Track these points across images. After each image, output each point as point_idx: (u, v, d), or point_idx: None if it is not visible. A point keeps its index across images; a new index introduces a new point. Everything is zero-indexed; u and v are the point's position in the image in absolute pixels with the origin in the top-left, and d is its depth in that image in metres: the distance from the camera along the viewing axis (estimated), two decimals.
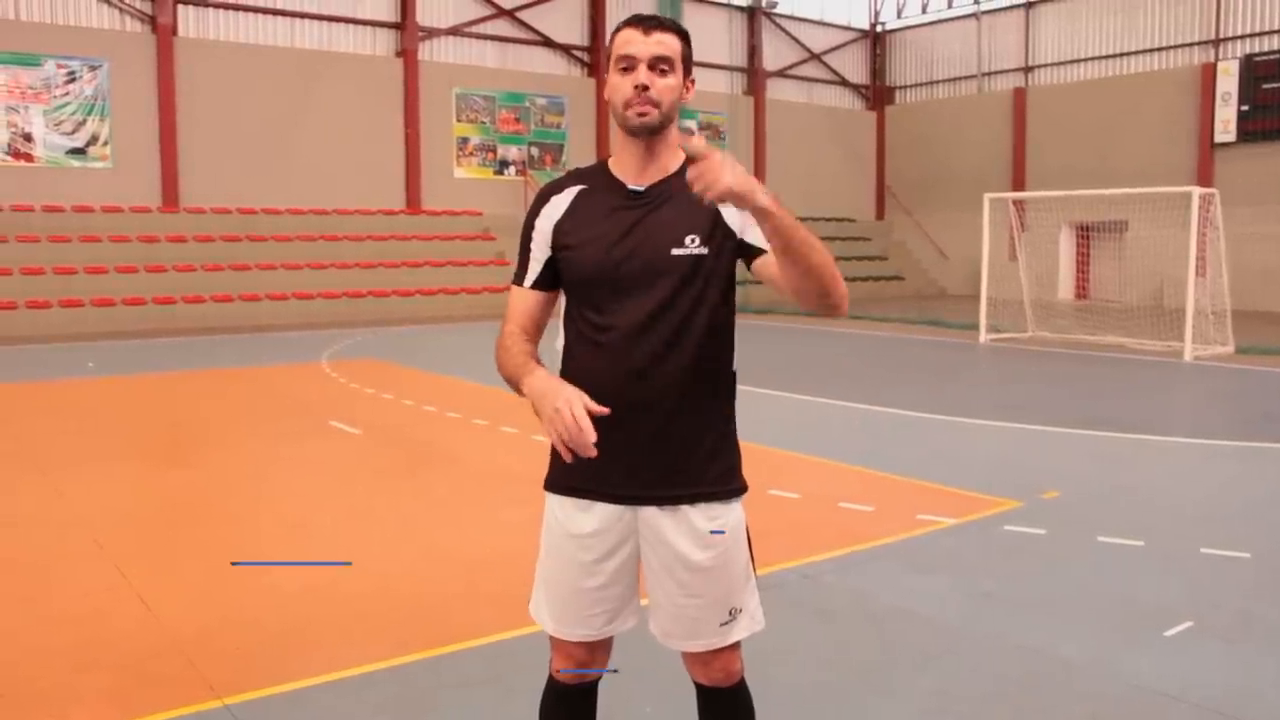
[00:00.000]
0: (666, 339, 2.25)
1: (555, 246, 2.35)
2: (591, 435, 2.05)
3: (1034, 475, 7.08)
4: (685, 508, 2.32)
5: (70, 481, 6.95)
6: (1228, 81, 25.11)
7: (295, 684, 3.72)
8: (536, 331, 2.42)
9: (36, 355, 14.93)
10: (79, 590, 4.75)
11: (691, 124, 29.00)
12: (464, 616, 4.42)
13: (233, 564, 5.11)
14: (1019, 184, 28.56)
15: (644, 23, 2.25)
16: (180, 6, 21.68)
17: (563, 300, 2.42)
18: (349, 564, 5.09)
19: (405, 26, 24.18)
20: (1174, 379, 12.83)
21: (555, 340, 2.40)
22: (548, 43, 26.62)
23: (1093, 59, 28.56)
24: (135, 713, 3.48)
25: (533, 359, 2.29)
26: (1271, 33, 24.96)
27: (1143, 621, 4.35)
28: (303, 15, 23.17)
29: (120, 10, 21.18)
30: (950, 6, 32.01)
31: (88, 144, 20.66)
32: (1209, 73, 25.50)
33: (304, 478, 7.21)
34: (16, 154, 20.01)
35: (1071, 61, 29.06)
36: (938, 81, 32.56)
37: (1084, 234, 26.60)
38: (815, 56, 32.29)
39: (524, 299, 2.40)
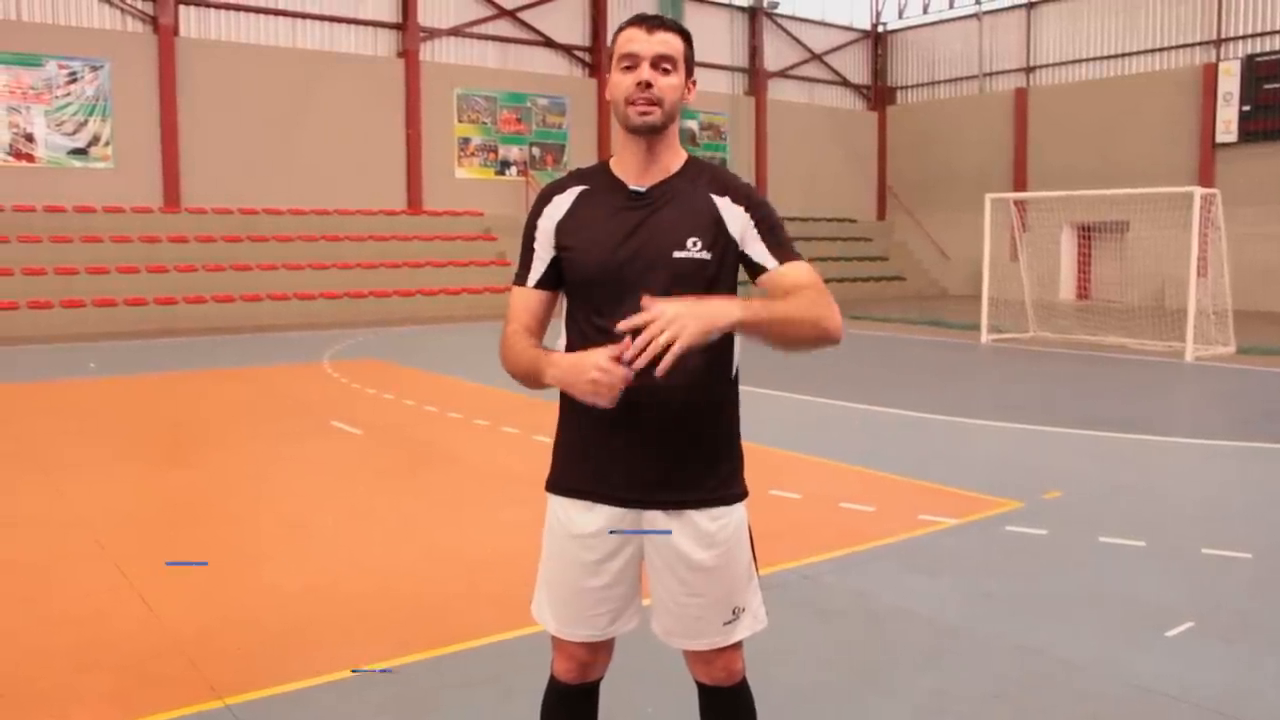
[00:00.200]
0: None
1: (558, 247, 2.34)
2: (625, 374, 2.06)
3: (1035, 475, 7.08)
4: (690, 512, 2.32)
5: (71, 482, 6.95)
6: (1229, 82, 25.10)
7: (296, 684, 3.72)
8: (540, 331, 2.41)
9: (38, 355, 14.94)
10: (80, 590, 4.75)
11: (692, 124, 29.02)
12: (465, 617, 4.42)
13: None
14: (1020, 184, 28.56)
15: (647, 22, 2.25)
16: (181, 7, 21.70)
17: (563, 301, 2.42)
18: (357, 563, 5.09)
19: (406, 27, 24.19)
20: (1175, 379, 12.83)
21: (557, 340, 2.40)
22: (549, 43, 26.63)
23: (1094, 59, 28.55)
24: (136, 713, 3.48)
25: (544, 350, 2.28)
26: (1273, 33, 24.94)
27: (1144, 621, 4.34)
28: (304, 16, 23.19)
29: (122, 10, 21.20)
30: (951, 7, 32.01)
31: (89, 144, 20.67)
32: (1210, 73, 25.49)
33: (305, 478, 7.21)
34: (18, 154, 20.03)
35: (1073, 61, 29.06)
36: (939, 82, 32.55)
37: (1085, 234, 26.59)
38: (816, 57, 32.29)
39: (527, 298, 2.39)
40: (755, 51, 30.63)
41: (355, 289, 21.21)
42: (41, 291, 18.38)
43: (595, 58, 27.04)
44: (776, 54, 31.17)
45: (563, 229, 2.33)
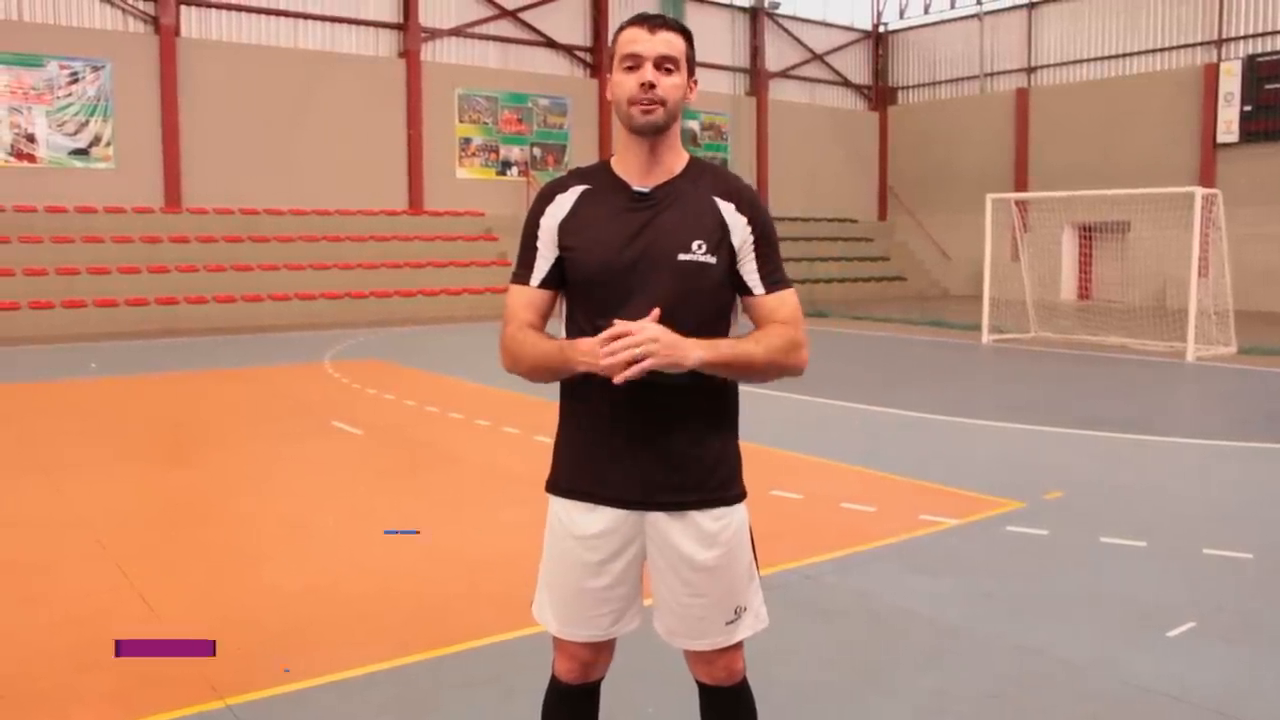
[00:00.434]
0: None
1: (561, 246, 2.33)
2: (627, 331, 2.10)
3: (1036, 476, 7.08)
4: (692, 513, 2.32)
5: (72, 482, 6.96)
6: (1230, 82, 25.09)
7: (297, 684, 3.72)
8: (541, 330, 2.41)
9: (39, 356, 14.95)
10: (81, 590, 4.76)
11: (694, 125, 29.01)
12: (466, 617, 4.42)
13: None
14: (1021, 184, 28.55)
15: (649, 21, 2.25)
16: (183, 7, 21.71)
17: (561, 301, 2.41)
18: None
19: (408, 27, 24.19)
20: (1176, 379, 12.82)
21: None
22: (550, 43, 26.63)
23: (1095, 59, 28.55)
24: (138, 713, 3.48)
25: (564, 339, 2.27)
26: (1274, 33, 24.93)
27: (1145, 622, 4.34)
28: (305, 16, 23.19)
29: (123, 11, 21.21)
30: (953, 7, 32.00)
31: (90, 145, 20.68)
32: (1211, 73, 25.48)
33: (306, 478, 7.21)
34: (19, 155, 20.04)
35: (1074, 62, 29.05)
36: (940, 82, 32.55)
37: (1086, 234, 26.58)
38: (818, 57, 32.29)
39: (529, 297, 2.36)
40: (756, 52, 30.63)
41: (356, 289, 21.21)
42: (43, 292, 18.39)
43: (596, 58, 27.04)
44: (778, 54, 31.17)
45: (565, 229, 2.32)
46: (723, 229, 2.28)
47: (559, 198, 2.35)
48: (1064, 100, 28.55)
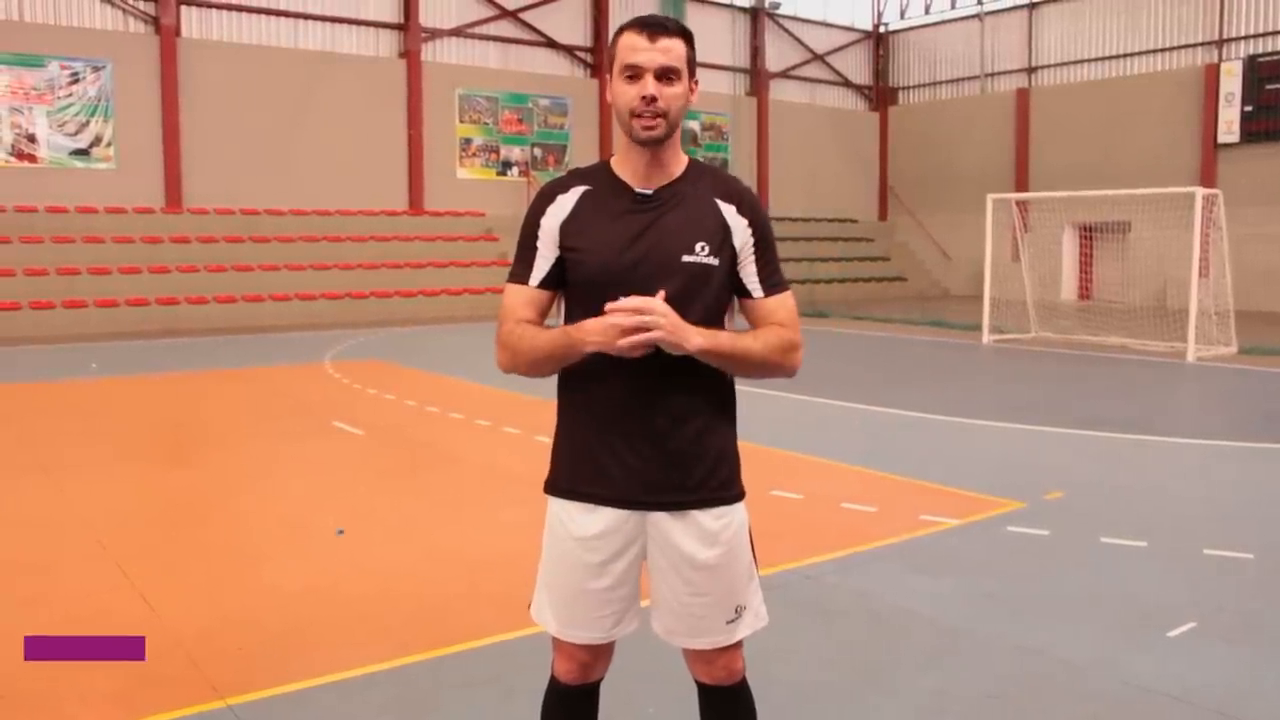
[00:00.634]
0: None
1: (563, 247, 2.32)
2: (635, 302, 2.13)
3: (1037, 476, 7.07)
4: (693, 512, 2.33)
5: (73, 482, 6.96)
6: (1231, 82, 25.09)
7: (298, 684, 3.72)
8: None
9: (40, 356, 14.95)
10: (82, 591, 4.76)
11: (694, 125, 29.01)
12: (466, 617, 4.42)
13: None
14: (1022, 185, 28.55)
15: (649, 27, 2.23)
16: (183, 7, 21.71)
17: (560, 303, 2.41)
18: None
19: (408, 27, 24.20)
20: (1177, 380, 12.82)
21: None
22: (550, 44, 26.64)
23: (1096, 59, 28.54)
24: (138, 713, 3.48)
25: (566, 326, 2.27)
26: (1275, 33, 24.93)
27: (1145, 622, 4.34)
28: (306, 16, 23.20)
29: (124, 11, 21.22)
30: (953, 7, 32.00)
31: (91, 145, 20.68)
32: (1212, 73, 25.47)
33: (306, 478, 7.21)
34: (20, 155, 20.05)
35: (1075, 62, 29.05)
36: (941, 82, 32.54)
37: (1087, 234, 26.58)
38: (818, 57, 32.29)
39: (527, 296, 2.35)
40: (757, 52, 30.63)
41: (357, 289, 21.22)
42: (44, 292, 18.39)
43: (597, 58, 27.04)
44: (778, 54, 31.17)
45: (567, 230, 2.31)
46: (724, 231, 2.29)
47: (560, 198, 2.34)
48: (1065, 100, 28.55)
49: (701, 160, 2.41)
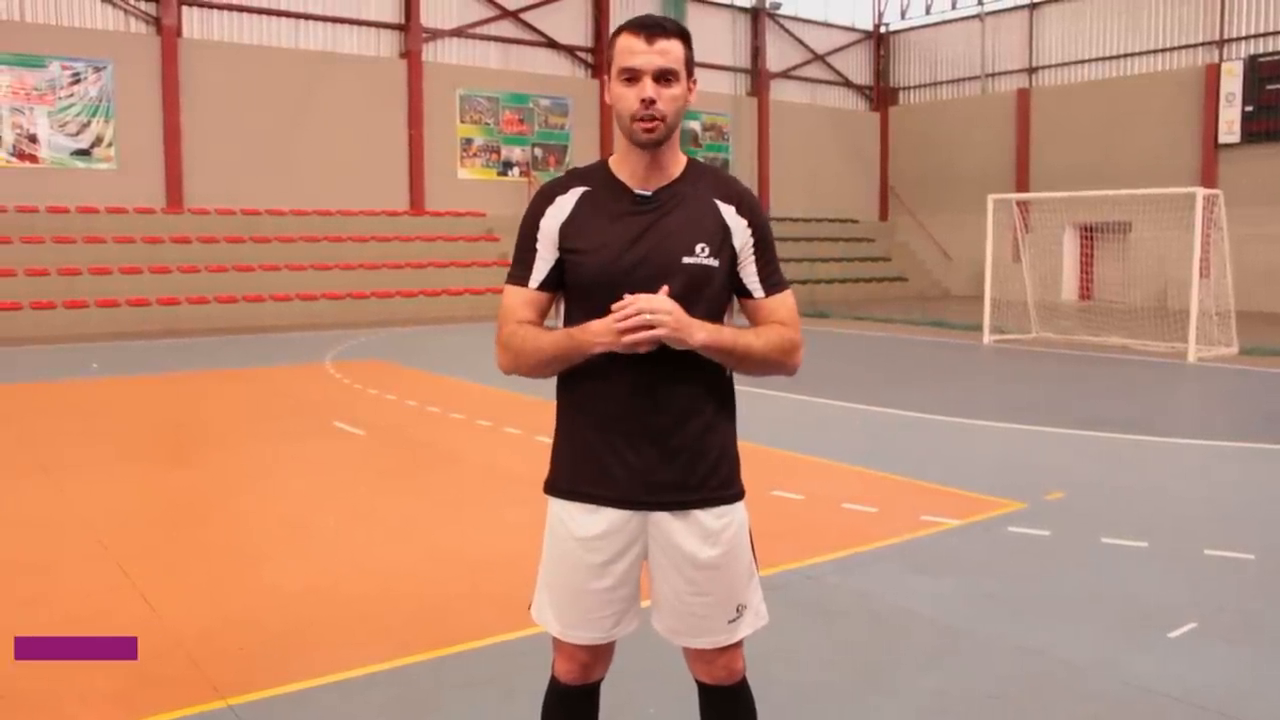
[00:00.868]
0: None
1: (563, 249, 2.31)
2: (640, 301, 2.14)
3: (1038, 476, 7.07)
4: (695, 511, 2.33)
5: (74, 482, 6.96)
6: (1232, 82, 25.09)
7: (298, 684, 3.72)
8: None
9: (41, 356, 14.95)
10: (82, 591, 4.76)
11: (695, 125, 29.00)
12: (466, 617, 4.42)
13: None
14: (1023, 185, 28.55)
15: (646, 29, 2.22)
16: (184, 8, 21.72)
17: (559, 304, 2.41)
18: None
19: (409, 28, 24.21)
20: (1178, 380, 12.82)
21: None
22: (551, 44, 26.64)
23: (1096, 60, 28.54)
24: (139, 713, 3.48)
25: (569, 327, 2.28)
26: (1276, 34, 24.92)
27: (1146, 623, 4.34)
28: (307, 17, 23.21)
29: (125, 11, 21.23)
30: (954, 7, 32.00)
31: (92, 145, 20.69)
32: (1213, 74, 25.47)
33: (307, 478, 7.21)
34: (21, 155, 20.05)
35: (1075, 62, 29.04)
36: (941, 82, 32.54)
37: (1088, 235, 26.57)
38: (819, 57, 32.29)
39: (527, 298, 2.34)
40: (757, 52, 30.63)
41: (358, 289, 21.23)
42: (44, 292, 18.40)
43: (597, 59, 27.05)
44: (779, 54, 31.17)
45: (567, 231, 2.31)
46: (724, 231, 2.29)
47: (559, 199, 2.34)
48: (1065, 101, 28.54)
49: (700, 160, 2.41)
